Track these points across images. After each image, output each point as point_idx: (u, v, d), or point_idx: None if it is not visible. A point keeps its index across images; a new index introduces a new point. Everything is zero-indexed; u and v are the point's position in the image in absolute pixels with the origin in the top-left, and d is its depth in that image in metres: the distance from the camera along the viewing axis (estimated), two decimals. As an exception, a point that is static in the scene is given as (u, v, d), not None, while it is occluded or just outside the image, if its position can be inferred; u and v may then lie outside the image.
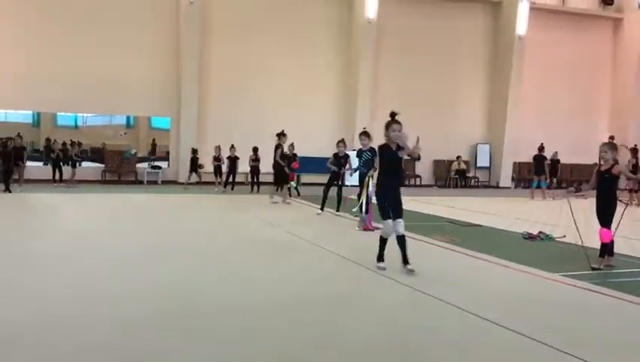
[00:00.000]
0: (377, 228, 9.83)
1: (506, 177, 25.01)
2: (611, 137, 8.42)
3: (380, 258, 6.66)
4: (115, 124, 22.00)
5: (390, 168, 6.81)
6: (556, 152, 20.53)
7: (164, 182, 20.59)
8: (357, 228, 10.00)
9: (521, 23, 24.17)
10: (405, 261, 6.45)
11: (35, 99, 19.58)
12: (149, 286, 5.54)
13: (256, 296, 5.28)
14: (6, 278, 5.69)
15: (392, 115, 6.89)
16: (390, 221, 6.54)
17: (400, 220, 6.53)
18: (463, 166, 24.17)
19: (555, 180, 21.11)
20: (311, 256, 7.54)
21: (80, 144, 19.62)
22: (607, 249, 6.91)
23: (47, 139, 20.31)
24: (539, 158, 18.58)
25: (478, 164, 25.19)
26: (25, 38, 19.32)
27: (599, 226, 6.89)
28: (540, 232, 9.51)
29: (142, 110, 21.29)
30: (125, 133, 22.07)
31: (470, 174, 24.79)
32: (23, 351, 3.71)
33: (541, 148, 18.72)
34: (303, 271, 6.53)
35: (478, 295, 5.57)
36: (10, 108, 20.10)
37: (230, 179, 18.29)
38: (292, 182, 15.97)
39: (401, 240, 6.50)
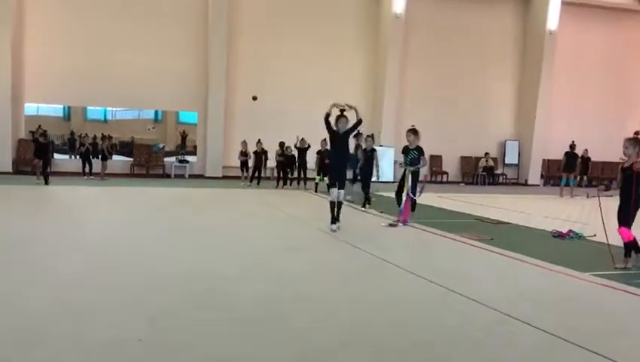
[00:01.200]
0: (405, 224, 9.85)
1: (535, 174, 24.63)
2: (636, 132, 8.36)
3: (332, 221, 8.87)
4: (144, 118, 22.23)
5: (339, 148, 9.00)
6: (586, 150, 20.12)
7: (190, 176, 20.78)
8: (383, 224, 10.02)
9: (552, 18, 23.72)
10: (337, 220, 8.85)
11: (65, 93, 19.93)
12: (174, 277, 5.57)
13: (282, 291, 5.27)
14: (32, 268, 5.79)
15: (342, 110, 9.08)
16: (336, 189, 8.83)
17: (342, 191, 8.93)
18: (491, 163, 23.87)
19: (585, 178, 20.73)
20: (337, 252, 7.51)
21: (110, 138, 19.89)
22: (631, 248, 6.75)
23: (72, 133, 20.73)
24: (570, 156, 18.22)
25: (507, 161, 24.84)
26: (55, 34, 19.63)
27: (618, 226, 6.75)
28: (570, 230, 9.34)
29: (170, 105, 21.50)
30: (153, 128, 22.30)
31: (498, 171, 24.48)
32: (48, 342, 3.76)
33: (573, 146, 18.36)
34: (328, 268, 6.51)
35: (507, 293, 5.48)
36: (41, 102, 20.46)
37: (256, 174, 18.36)
38: (318, 177, 15.99)
39: (339, 205, 8.92)
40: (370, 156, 12.42)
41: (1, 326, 4.01)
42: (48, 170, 16.11)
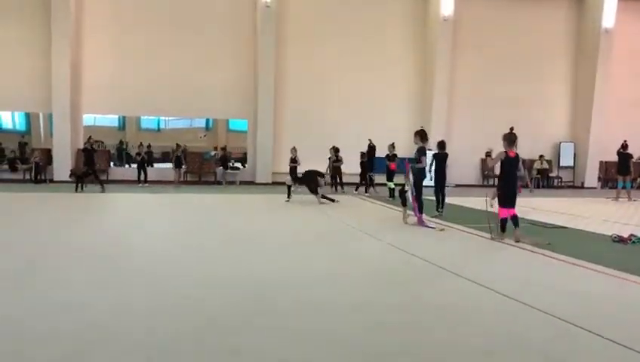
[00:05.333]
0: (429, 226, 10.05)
1: (591, 177, 23.87)
2: (511, 128, 8.88)
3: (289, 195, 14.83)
4: (195, 127, 22.74)
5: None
6: (646, 150, 19.38)
7: (241, 183, 21.07)
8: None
9: (608, 15, 22.98)
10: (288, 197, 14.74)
11: (120, 103, 20.61)
12: (229, 283, 5.65)
13: (339, 297, 5.28)
14: (90, 270, 5.99)
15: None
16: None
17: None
18: (545, 165, 23.27)
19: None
20: (389, 258, 7.47)
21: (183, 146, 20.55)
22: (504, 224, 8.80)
23: (121, 142, 21.46)
24: (623, 156, 17.44)
25: (562, 164, 24.17)
26: (111, 47, 20.37)
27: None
28: (632, 235, 9.00)
29: (220, 113, 21.92)
30: (205, 136, 22.78)
31: (553, 174, 23.84)
32: (103, 343, 3.87)
33: (625, 146, 17.57)
34: (384, 274, 6.47)
35: (567, 300, 5.33)
36: (98, 112, 21.22)
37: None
38: (391, 183, 15.93)
39: (289, 188, 14.79)
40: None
41: (71, 328, 4.17)
42: (94, 177, 16.47)
